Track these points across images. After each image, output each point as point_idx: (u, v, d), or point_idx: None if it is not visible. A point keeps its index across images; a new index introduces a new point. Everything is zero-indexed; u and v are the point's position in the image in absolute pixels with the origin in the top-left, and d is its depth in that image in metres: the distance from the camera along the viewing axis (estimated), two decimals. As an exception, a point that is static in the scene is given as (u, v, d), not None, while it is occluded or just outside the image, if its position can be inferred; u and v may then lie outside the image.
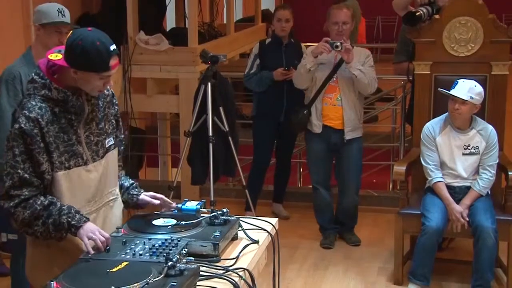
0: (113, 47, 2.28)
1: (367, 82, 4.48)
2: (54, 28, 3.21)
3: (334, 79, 4.58)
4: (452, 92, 3.84)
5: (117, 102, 2.59)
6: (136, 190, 2.65)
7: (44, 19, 3.22)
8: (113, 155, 2.54)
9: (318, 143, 4.68)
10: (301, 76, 4.60)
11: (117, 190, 2.60)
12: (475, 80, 3.91)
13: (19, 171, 2.27)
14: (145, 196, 2.61)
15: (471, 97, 3.82)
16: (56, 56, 2.33)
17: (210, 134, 4.48)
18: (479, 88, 3.86)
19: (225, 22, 7.35)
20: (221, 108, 4.54)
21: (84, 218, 2.32)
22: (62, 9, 3.24)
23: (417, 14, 4.21)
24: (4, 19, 4.94)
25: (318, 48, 4.46)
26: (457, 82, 3.87)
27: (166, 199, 2.61)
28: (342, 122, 4.58)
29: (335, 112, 4.60)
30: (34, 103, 2.29)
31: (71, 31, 2.32)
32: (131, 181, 2.68)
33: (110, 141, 2.51)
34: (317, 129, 4.63)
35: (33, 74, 2.36)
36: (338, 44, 4.39)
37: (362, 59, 4.56)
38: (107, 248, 2.24)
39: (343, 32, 4.53)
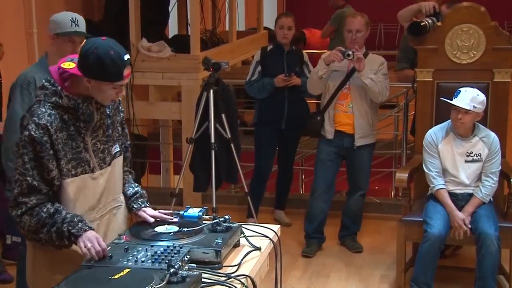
0: (126, 56, 2.29)
1: (377, 91, 4.50)
2: (67, 38, 3.22)
3: (347, 86, 4.61)
4: (455, 102, 3.83)
5: (122, 109, 2.60)
6: (138, 203, 2.60)
7: (58, 28, 3.24)
8: (119, 162, 2.55)
9: (328, 148, 4.70)
10: (313, 82, 4.65)
11: (122, 197, 2.60)
12: (477, 88, 3.91)
13: (28, 178, 2.28)
14: (143, 213, 2.57)
15: (474, 107, 3.80)
16: (69, 65, 2.34)
17: (212, 141, 4.48)
18: (481, 97, 3.85)
19: (227, 29, 7.37)
20: (223, 115, 4.55)
21: (86, 227, 2.31)
22: (75, 18, 3.24)
23: (422, 24, 4.22)
24: (7, 26, 4.97)
25: (330, 56, 4.49)
26: (459, 91, 3.85)
27: (167, 216, 2.55)
28: (354, 128, 4.61)
29: (347, 119, 4.63)
30: (44, 109, 2.30)
31: (85, 41, 2.33)
32: (136, 190, 2.65)
33: (116, 148, 2.51)
34: (330, 135, 4.67)
35: (43, 80, 2.37)
36: (350, 53, 4.41)
37: (375, 67, 4.57)
38: (109, 255, 2.24)
39: (356, 40, 4.55)
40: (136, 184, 2.69)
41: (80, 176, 2.37)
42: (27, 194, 2.29)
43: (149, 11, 5.68)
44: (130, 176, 2.71)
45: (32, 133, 2.26)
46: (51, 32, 3.27)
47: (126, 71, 2.30)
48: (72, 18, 3.24)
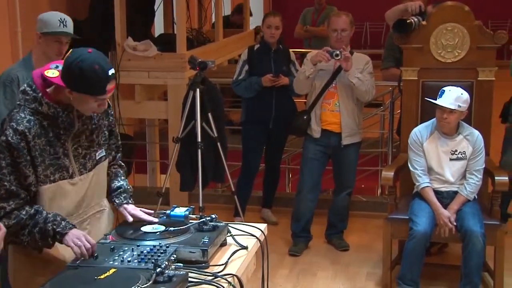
0: (111, 71, 2.27)
1: (364, 90, 4.51)
2: (54, 37, 3.21)
3: (333, 85, 4.61)
4: (439, 101, 3.85)
5: (112, 113, 2.56)
6: (120, 198, 2.58)
7: (45, 28, 3.22)
8: (103, 166, 2.52)
9: (315, 147, 4.71)
10: (300, 82, 4.65)
11: (106, 201, 2.57)
12: (461, 87, 3.94)
13: (5, 183, 2.26)
14: (123, 210, 2.56)
15: (459, 106, 3.83)
16: (53, 73, 2.32)
17: (199, 140, 4.48)
18: (465, 95, 3.87)
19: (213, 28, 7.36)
20: (209, 114, 4.54)
21: (70, 225, 2.30)
22: (64, 19, 3.24)
23: (408, 21, 4.25)
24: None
25: (317, 57, 4.49)
26: (444, 90, 3.87)
27: (148, 217, 2.53)
28: (340, 127, 4.62)
29: (334, 118, 4.63)
30: (23, 115, 2.28)
31: (71, 51, 2.30)
32: (120, 184, 2.61)
33: (101, 153, 2.49)
34: (316, 134, 4.67)
35: (25, 85, 2.35)
36: (338, 52, 4.42)
37: (361, 66, 4.58)
38: (95, 255, 2.23)
39: (342, 39, 4.55)
40: (124, 179, 2.65)
41: (58, 182, 2.35)
42: (6, 199, 2.27)
43: (135, 10, 5.65)
44: (120, 169, 2.67)
45: (9, 138, 2.24)
46: (38, 31, 3.26)
47: (110, 86, 2.27)
48: (60, 18, 3.23)
